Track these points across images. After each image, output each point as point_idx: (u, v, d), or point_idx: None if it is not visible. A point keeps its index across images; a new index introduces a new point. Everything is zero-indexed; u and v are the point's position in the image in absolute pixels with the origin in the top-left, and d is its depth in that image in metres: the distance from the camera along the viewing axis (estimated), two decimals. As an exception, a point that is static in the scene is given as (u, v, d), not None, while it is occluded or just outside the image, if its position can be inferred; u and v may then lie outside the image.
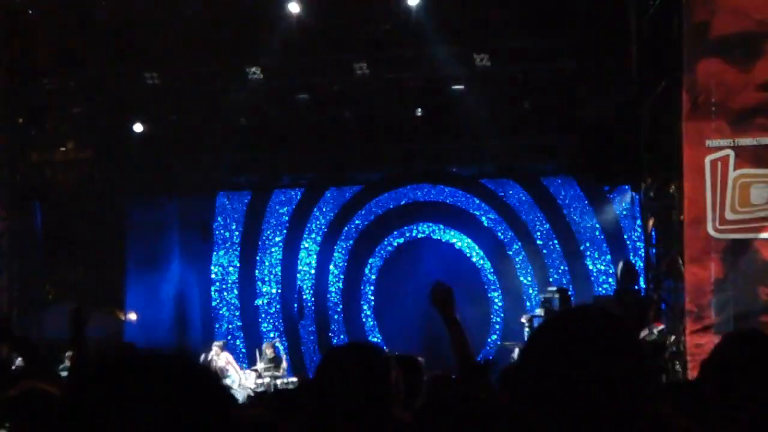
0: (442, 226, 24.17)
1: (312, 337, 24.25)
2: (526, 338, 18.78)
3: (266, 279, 24.86)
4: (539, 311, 18.98)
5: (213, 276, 25.08)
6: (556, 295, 19.01)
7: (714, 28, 16.11)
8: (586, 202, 22.98)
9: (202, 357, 21.18)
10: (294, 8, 20.22)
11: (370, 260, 24.59)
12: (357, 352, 4.29)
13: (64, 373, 13.01)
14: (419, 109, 22.02)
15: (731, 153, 15.89)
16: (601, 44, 18.53)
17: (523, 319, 19.90)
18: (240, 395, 18.04)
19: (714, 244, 16.02)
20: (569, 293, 19.39)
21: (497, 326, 23.41)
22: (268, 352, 21.11)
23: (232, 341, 24.33)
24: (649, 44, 17.65)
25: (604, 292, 22.02)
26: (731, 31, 15.99)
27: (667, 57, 17.24)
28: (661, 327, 17.27)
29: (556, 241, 23.35)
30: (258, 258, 24.88)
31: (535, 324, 18.70)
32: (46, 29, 20.88)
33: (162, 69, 21.63)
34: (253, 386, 20.11)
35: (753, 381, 3.86)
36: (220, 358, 20.90)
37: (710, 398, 3.96)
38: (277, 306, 24.75)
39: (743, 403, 3.85)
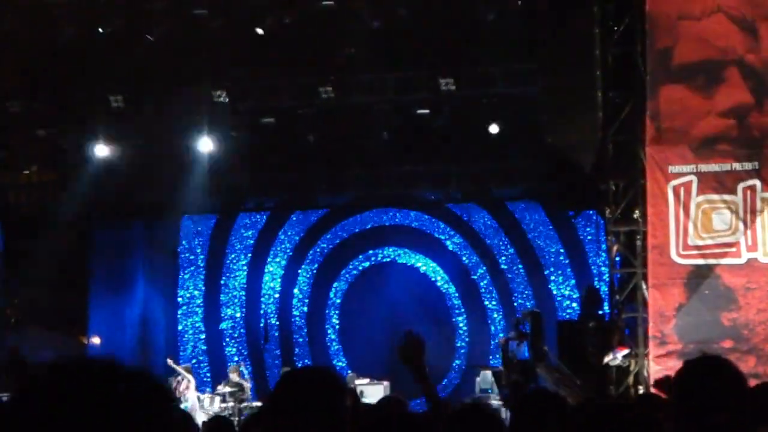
0: (407, 250, 24.17)
1: (277, 361, 24.17)
2: (500, 361, 18.78)
3: (231, 303, 24.78)
4: (512, 333, 19.01)
5: (179, 300, 24.96)
6: (529, 318, 19.05)
7: (677, 55, 16.27)
8: (551, 226, 23.06)
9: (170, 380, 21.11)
10: (259, 31, 20.23)
11: (335, 284, 24.55)
12: (313, 374, 4.31)
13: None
14: (385, 133, 22.04)
15: (694, 179, 16.02)
16: (566, 69, 18.64)
17: (498, 340, 19.91)
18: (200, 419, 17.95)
19: (677, 270, 16.14)
20: (541, 316, 19.43)
21: (462, 350, 23.41)
22: (233, 376, 21.04)
23: (196, 365, 24.20)
24: (613, 70, 17.79)
25: (568, 316, 22.08)
26: (693, 59, 16.15)
27: (631, 83, 17.38)
28: (625, 351, 17.35)
29: (520, 266, 23.40)
30: (223, 282, 24.80)
31: (511, 346, 18.69)
32: (11, 51, 20.78)
33: (126, 92, 21.58)
34: (217, 410, 20.01)
35: (716, 407, 3.89)
36: (183, 381, 20.82)
37: (677, 423, 4.00)
38: (242, 330, 24.66)
39: (708, 429, 3.88)
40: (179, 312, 24.90)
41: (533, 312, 19.35)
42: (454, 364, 23.17)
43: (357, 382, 19.71)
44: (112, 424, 1.75)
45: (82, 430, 1.74)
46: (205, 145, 22.33)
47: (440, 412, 5.55)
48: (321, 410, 4.04)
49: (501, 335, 20.59)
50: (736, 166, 15.94)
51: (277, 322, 24.50)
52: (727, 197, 15.90)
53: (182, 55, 20.50)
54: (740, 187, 15.86)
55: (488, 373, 19.14)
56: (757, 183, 15.80)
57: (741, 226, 15.81)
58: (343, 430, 4.07)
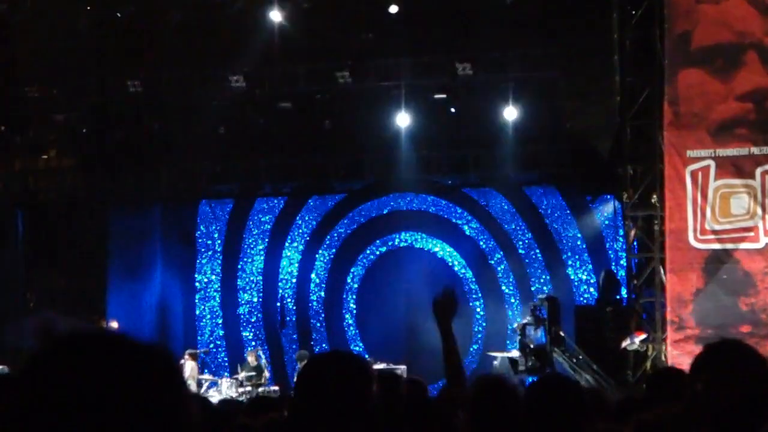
0: (424, 235, 24.16)
1: (294, 346, 24.19)
2: (518, 345, 18.82)
3: (248, 287, 24.81)
4: (529, 318, 19.02)
5: (196, 284, 25.01)
6: (545, 303, 19.05)
7: (695, 39, 16.21)
8: (569, 211, 23.00)
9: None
10: (276, 17, 20.23)
11: (353, 269, 24.56)
12: (339, 360, 4.31)
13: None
14: (401, 118, 22.03)
15: (712, 163, 15.98)
16: (584, 55, 18.61)
17: (515, 326, 19.94)
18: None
19: (695, 255, 16.11)
20: (558, 301, 19.42)
21: (479, 335, 23.40)
22: (251, 360, 21.07)
23: (214, 350, 24.28)
24: (631, 55, 17.75)
25: (585, 301, 22.05)
26: (712, 42, 16.09)
27: (649, 67, 17.34)
28: (643, 336, 17.34)
29: (538, 251, 23.36)
30: (240, 266, 24.83)
31: (528, 332, 18.72)
32: (30, 37, 20.84)
33: (145, 77, 21.62)
34: (235, 395, 20.06)
35: (734, 390, 3.89)
36: (186, 367, 20.92)
37: (693, 406, 3.99)
38: (259, 315, 24.69)
39: (725, 411, 3.88)
40: (197, 297, 24.95)
41: (550, 297, 19.36)
42: (471, 349, 23.17)
43: (374, 366, 19.74)
44: (115, 393, 1.77)
45: (85, 400, 1.77)
46: (222, 130, 22.40)
47: (459, 374, 5.60)
48: (348, 396, 4.03)
49: (518, 320, 20.59)
50: (754, 150, 15.89)
51: (295, 307, 24.53)
52: (745, 181, 15.86)
53: (200, 40, 20.52)
54: (758, 171, 15.82)
55: (505, 358, 19.16)
56: (776, 167, 15.76)
57: (759, 210, 15.77)
58: (371, 417, 4.07)
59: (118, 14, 20.45)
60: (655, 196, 17.51)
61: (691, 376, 4.05)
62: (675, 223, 16.24)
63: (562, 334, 18.15)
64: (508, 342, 21.60)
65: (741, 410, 3.88)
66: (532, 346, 18.38)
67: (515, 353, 18.76)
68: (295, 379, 4.33)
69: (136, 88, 21.77)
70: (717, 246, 16.07)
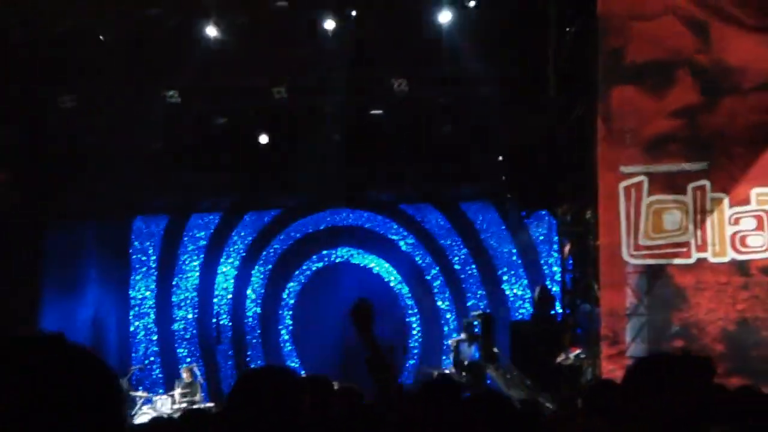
0: (360, 251, 24.18)
1: (229, 362, 24.10)
2: (453, 361, 18.83)
3: (183, 304, 24.68)
4: (463, 335, 19.04)
5: (131, 301, 24.84)
6: (479, 320, 19.09)
7: (628, 56, 16.36)
8: (504, 227, 23.14)
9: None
10: (212, 32, 20.15)
11: (289, 285, 24.51)
12: (272, 375, 4.29)
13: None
14: (337, 135, 22.02)
15: (645, 179, 16.12)
16: (520, 70, 18.71)
17: (449, 342, 19.94)
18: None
19: (629, 270, 16.22)
20: (492, 317, 19.48)
21: (415, 351, 23.44)
22: (185, 376, 20.93)
23: (149, 366, 24.10)
24: (566, 71, 17.88)
25: (521, 316, 22.16)
26: (645, 59, 16.25)
27: (583, 84, 17.47)
28: (578, 351, 17.42)
29: (473, 266, 23.46)
30: (175, 282, 24.70)
31: (461, 348, 18.75)
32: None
33: (79, 91, 21.42)
34: (169, 411, 19.90)
35: (665, 403, 3.92)
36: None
37: (623, 420, 4.02)
38: (194, 331, 24.57)
39: (655, 425, 3.91)
40: (131, 313, 24.78)
41: (484, 314, 19.42)
42: (408, 364, 23.19)
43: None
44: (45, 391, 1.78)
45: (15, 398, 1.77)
46: (157, 145, 22.26)
47: (387, 377, 5.60)
48: (279, 410, 4.02)
49: (454, 335, 20.63)
50: (686, 166, 16.05)
51: (230, 323, 24.43)
52: (677, 197, 16.01)
53: (135, 54, 20.37)
54: (690, 187, 15.97)
55: (440, 375, 19.13)
56: (707, 183, 15.91)
57: (691, 226, 15.93)
58: (303, 430, 4.06)
59: (51, 28, 20.23)
60: (589, 212, 17.62)
61: (623, 390, 4.08)
62: (609, 238, 16.34)
63: (495, 350, 18.21)
64: (444, 357, 21.66)
65: (674, 422, 3.91)
66: (466, 362, 18.42)
67: (450, 369, 18.78)
68: (227, 394, 4.31)
69: (70, 103, 21.56)
70: (650, 261, 16.19)
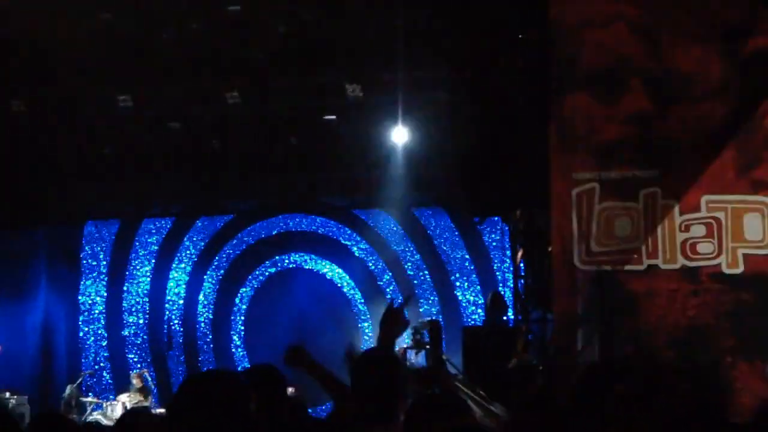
0: (313, 256, 24.14)
1: (181, 368, 23.99)
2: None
3: (134, 309, 24.54)
4: (410, 342, 19.00)
5: (80, 306, 24.68)
6: (427, 327, 19.06)
7: (580, 62, 16.43)
8: (457, 233, 23.18)
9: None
10: (166, 35, 20.03)
11: (241, 290, 24.43)
12: (217, 378, 4.27)
13: None
14: (292, 139, 21.95)
15: (596, 186, 16.19)
16: (473, 75, 18.74)
17: (396, 350, 19.86)
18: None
19: (580, 276, 16.28)
20: (440, 325, 19.47)
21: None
22: (136, 382, 20.82)
23: (99, 372, 23.95)
24: (519, 77, 17.93)
25: (473, 322, 22.20)
26: (596, 67, 16.32)
27: (536, 90, 17.53)
28: (529, 358, 17.46)
29: (426, 272, 23.49)
30: (125, 288, 24.55)
31: (408, 356, 18.71)
32: None
33: (29, 96, 21.23)
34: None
35: (615, 408, 3.93)
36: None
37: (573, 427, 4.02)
38: (145, 336, 24.44)
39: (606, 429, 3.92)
40: (81, 318, 24.61)
41: (432, 321, 19.40)
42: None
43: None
44: None
45: None
46: (108, 149, 22.12)
47: (341, 391, 5.64)
48: (224, 413, 4.00)
49: (407, 342, 20.60)
50: (638, 173, 16.13)
51: (182, 329, 24.32)
52: (628, 204, 16.09)
53: (87, 59, 20.20)
54: (642, 194, 16.05)
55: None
56: (658, 190, 16.00)
57: (642, 233, 16.02)
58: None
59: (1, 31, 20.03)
60: (542, 218, 17.68)
61: (570, 395, 4.09)
62: (560, 245, 16.40)
63: (444, 357, 18.20)
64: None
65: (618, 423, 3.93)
66: (413, 370, 18.36)
67: None
68: (172, 398, 4.29)
69: (20, 107, 21.36)
70: (601, 268, 16.27)
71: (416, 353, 18.32)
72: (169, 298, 24.46)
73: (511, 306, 19.09)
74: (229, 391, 4.09)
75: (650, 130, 16.16)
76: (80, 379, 21.99)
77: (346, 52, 20.30)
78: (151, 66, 20.41)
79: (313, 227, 24.12)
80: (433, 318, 20.34)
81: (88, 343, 24.64)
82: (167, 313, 24.36)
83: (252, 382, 5.19)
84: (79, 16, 19.94)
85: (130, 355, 24.35)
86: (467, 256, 23.13)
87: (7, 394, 20.56)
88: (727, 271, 15.84)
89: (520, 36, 17.77)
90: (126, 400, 20.47)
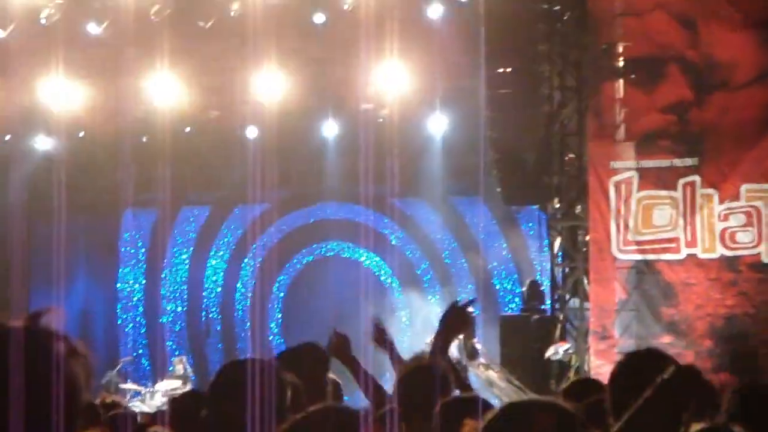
0: (351, 245, 24.16)
1: (219, 355, 24.08)
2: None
3: (172, 297, 24.66)
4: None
5: (119, 293, 24.83)
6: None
7: (618, 52, 16.39)
8: (495, 222, 23.13)
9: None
10: (203, 22, 20.08)
11: (279, 278, 24.49)
12: (253, 364, 4.29)
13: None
14: (328, 128, 21.97)
15: (635, 175, 16.15)
16: (511, 64, 18.69)
17: (427, 341, 19.81)
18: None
19: (618, 265, 16.26)
20: (473, 314, 19.44)
21: (404, 345, 23.41)
22: (178, 368, 20.92)
23: (137, 359, 24.09)
24: (557, 66, 17.89)
25: (510, 311, 22.16)
26: (635, 55, 16.28)
27: (574, 79, 17.49)
28: (567, 346, 17.44)
29: (463, 261, 23.46)
30: (164, 275, 24.67)
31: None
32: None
33: (68, 86, 21.35)
34: (159, 404, 19.90)
35: (653, 399, 3.92)
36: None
37: (612, 415, 4.02)
38: (183, 324, 24.56)
39: (644, 421, 3.91)
40: (119, 306, 24.77)
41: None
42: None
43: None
44: None
45: None
46: (146, 139, 22.26)
47: (377, 394, 5.62)
48: (261, 399, 4.02)
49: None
50: (677, 162, 16.07)
51: (220, 316, 24.42)
52: (667, 193, 16.04)
53: (129, 47, 20.29)
54: (680, 183, 16.00)
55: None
56: (697, 179, 15.94)
57: (681, 221, 15.95)
58: (282, 419, 4.05)
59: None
60: (579, 207, 17.65)
61: (610, 384, 4.09)
62: (598, 233, 16.38)
63: (478, 346, 18.18)
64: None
65: (657, 416, 3.91)
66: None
67: None
68: (210, 383, 4.32)
69: (58, 97, 21.51)
70: (639, 257, 16.23)
71: (448, 344, 18.28)
72: (207, 285, 24.56)
73: (548, 295, 19.06)
74: (264, 380, 4.11)
75: (689, 119, 16.10)
76: (119, 366, 22.12)
77: (382, 40, 20.28)
78: (191, 53, 20.47)
79: (351, 216, 24.13)
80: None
81: (126, 330, 24.78)
82: (205, 300, 24.46)
83: (296, 359, 5.22)
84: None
85: (168, 343, 24.48)
86: (504, 245, 23.08)
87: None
88: (766, 260, 15.77)
89: (558, 24, 17.71)
90: (165, 387, 20.57)
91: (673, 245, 15.99)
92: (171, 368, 21.30)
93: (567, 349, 17.40)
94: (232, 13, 20.07)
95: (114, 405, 7.69)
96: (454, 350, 18.22)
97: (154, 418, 7.33)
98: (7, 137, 23.00)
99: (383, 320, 6.08)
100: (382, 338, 5.98)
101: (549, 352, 17.56)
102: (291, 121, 21.88)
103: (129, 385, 21.23)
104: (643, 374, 4.02)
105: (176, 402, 6.54)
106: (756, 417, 5.14)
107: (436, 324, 17.96)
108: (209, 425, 4.29)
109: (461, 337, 18.29)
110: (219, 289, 24.58)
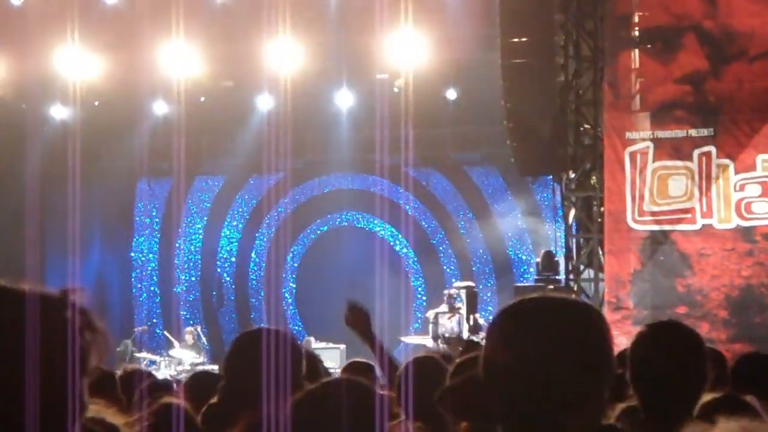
0: (365, 215, 24.18)
1: (233, 325, 24.17)
2: (430, 333, 18.73)
3: (185, 266, 24.73)
4: (444, 307, 18.97)
5: (133, 263, 24.92)
6: (462, 291, 19.03)
7: (635, 22, 16.31)
8: (509, 192, 23.13)
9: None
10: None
11: (293, 248, 24.53)
12: (270, 335, 4.30)
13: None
14: (342, 97, 21.94)
15: (650, 145, 16.10)
16: (525, 34, 18.62)
17: (428, 314, 19.79)
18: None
19: (633, 236, 16.23)
20: (475, 289, 19.45)
21: (419, 315, 23.48)
22: (189, 338, 20.99)
23: (152, 328, 24.19)
24: (572, 36, 17.82)
25: (524, 281, 22.17)
26: (652, 25, 16.19)
27: (590, 49, 17.43)
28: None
29: (479, 230, 23.47)
30: (178, 245, 24.74)
31: (439, 320, 18.69)
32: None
33: (84, 54, 21.37)
34: (174, 373, 19.99)
35: (674, 369, 3.93)
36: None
37: (633, 387, 4.03)
38: (197, 293, 24.64)
39: (664, 392, 3.92)
40: (133, 275, 24.86)
41: (467, 286, 19.35)
42: (412, 328, 23.22)
43: (314, 345, 19.73)
44: None
45: None
46: (161, 108, 22.30)
47: (392, 370, 5.62)
48: (277, 370, 4.03)
49: (459, 301, 20.60)
50: (692, 132, 16.02)
51: (234, 286, 24.49)
52: (683, 163, 15.99)
53: (137, 15, 20.27)
54: (696, 153, 15.95)
55: (421, 345, 18.61)
56: (713, 149, 15.89)
57: (696, 192, 15.92)
58: (299, 389, 4.07)
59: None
60: (594, 177, 17.62)
61: (632, 354, 4.09)
62: (613, 204, 16.35)
63: (481, 321, 18.21)
64: (431, 328, 21.62)
65: (677, 385, 3.92)
66: (447, 335, 18.37)
67: (429, 341, 18.62)
68: (226, 354, 4.35)
69: (74, 64, 21.56)
70: (655, 227, 16.19)
71: (449, 318, 18.31)
72: (221, 255, 24.62)
73: (562, 265, 19.06)
74: (282, 346, 4.12)
75: (705, 89, 16.03)
76: (134, 335, 22.21)
77: (395, 11, 20.22)
78: (208, 24, 20.46)
79: (365, 186, 24.14)
80: (469, 283, 20.26)
81: (141, 299, 24.88)
82: (219, 270, 24.53)
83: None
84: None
85: (182, 312, 24.56)
86: (520, 215, 23.09)
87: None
88: (782, 230, 15.75)
89: (574, -6, 17.64)
90: (180, 356, 20.66)
91: (688, 216, 15.95)
92: (182, 340, 21.38)
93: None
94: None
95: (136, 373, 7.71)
96: (454, 324, 18.25)
97: (167, 385, 7.32)
98: (23, 106, 23.04)
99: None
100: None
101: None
102: (306, 91, 21.87)
103: (144, 354, 21.33)
104: (664, 346, 4.03)
105: (195, 378, 6.57)
106: (762, 383, 5.16)
107: (447, 293, 17.70)
108: (225, 396, 4.31)
109: (462, 312, 18.32)
110: (233, 259, 24.64)
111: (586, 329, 2.34)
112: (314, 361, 6.08)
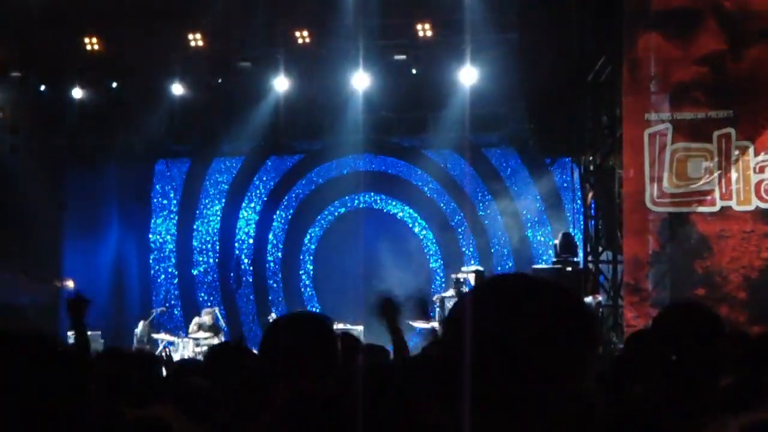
0: (383, 196, 24.16)
1: (250, 307, 24.20)
2: (437, 317, 18.68)
3: (204, 248, 24.77)
4: (450, 292, 18.92)
5: (151, 244, 24.96)
6: (471, 276, 18.98)
7: (654, 3, 16.22)
8: (528, 173, 23.07)
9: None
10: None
11: (310, 230, 24.53)
12: (306, 321, 4.31)
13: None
14: (359, 79, 21.91)
15: (669, 127, 16.03)
16: (544, 16, 18.56)
17: (434, 298, 19.74)
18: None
19: (652, 218, 16.18)
20: (484, 275, 19.41)
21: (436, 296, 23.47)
22: (207, 319, 21.04)
23: (170, 309, 24.26)
24: (591, 18, 17.75)
25: (543, 263, 22.14)
26: (670, 5, 16.10)
27: (608, 31, 17.35)
28: (599, 298, 17.43)
29: (497, 212, 23.43)
30: (196, 227, 24.77)
31: (446, 304, 18.67)
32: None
33: (102, 35, 21.41)
34: (191, 354, 20.06)
35: (694, 350, 3.91)
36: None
37: (651, 368, 4.02)
38: (215, 275, 24.68)
39: (685, 372, 3.90)
40: (151, 257, 24.91)
41: (476, 271, 19.31)
42: (431, 311, 23.21)
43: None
44: None
45: None
46: (178, 89, 22.33)
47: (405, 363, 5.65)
48: (312, 355, 4.04)
49: (465, 285, 20.55)
50: (712, 114, 15.94)
51: (251, 268, 24.50)
52: (701, 145, 15.92)
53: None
54: (715, 135, 15.87)
55: (428, 329, 18.42)
56: (732, 131, 15.81)
57: (716, 174, 15.86)
58: (334, 374, 4.08)
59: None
60: (613, 159, 17.57)
61: (653, 335, 4.08)
62: (632, 186, 16.30)
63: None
64: (437, 312, 21.60)
65: (697, 367, 3.91)
66: None
67: (435, 324, 18.56)
68: (262, 339, 4.35)
69: (93, 46, 21.59)
70: (673, 209, 16.14)
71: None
72: (239, 237, 24.64)
73: (581, 247, 19.03)
74: (320, 331, 4.13)
75: (725, 71, 15.94)
76: (152, 316, 22.28)
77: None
78: (222, 4, 20.45)
79: (384, 167, 24.11)
80: (478, 267, 20.21)
81: (159, 280, 24.94)
82: (237, 252, 24.55)
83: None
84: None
85: (200, 294, 24.61)
86: (538, 197, 23.04)
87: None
88: (802, 212, 15.68)
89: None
90: (198, 337, 20.72)
91: (707, 198, 15.89)
92: (201, 321, 21.43)
93: (599, 302, 17.39)
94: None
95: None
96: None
97: (182, 367, 7.35)
98: (42, 87, 23.09)
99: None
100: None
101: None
102: (324, 72, 21.86)
103: (162, 335, 21.41)
104: (685, 326, 4.02)
105: (215, 353, 6.57)
106: None
107: (455, 277, 17.59)
108: (257, 380, 4.31)
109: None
110: (251, 241, 24.66)
111: (556, 302, 2.26)
112: (351, 340, 6.18)
